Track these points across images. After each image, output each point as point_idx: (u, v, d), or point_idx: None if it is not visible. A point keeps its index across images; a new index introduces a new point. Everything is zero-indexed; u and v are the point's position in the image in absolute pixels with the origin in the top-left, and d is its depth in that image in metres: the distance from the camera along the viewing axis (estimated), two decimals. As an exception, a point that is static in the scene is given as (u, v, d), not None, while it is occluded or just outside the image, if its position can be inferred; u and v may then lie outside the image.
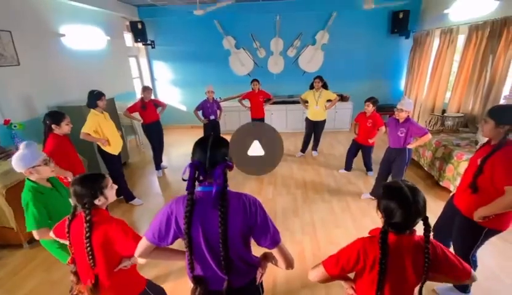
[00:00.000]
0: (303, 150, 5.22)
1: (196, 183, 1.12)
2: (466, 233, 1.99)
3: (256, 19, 6.44)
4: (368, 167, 4.33)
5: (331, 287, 2.29)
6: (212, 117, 4.87)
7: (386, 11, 6.13)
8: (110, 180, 1.50)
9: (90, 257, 1.34)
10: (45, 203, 1.72)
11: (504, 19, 3.77)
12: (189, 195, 1.10)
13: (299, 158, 5.13)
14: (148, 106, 4.27)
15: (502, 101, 4.02)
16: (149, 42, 6.66)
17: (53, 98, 4.15)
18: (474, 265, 2.08)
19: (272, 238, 1.14)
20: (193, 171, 1.09)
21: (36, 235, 1.67)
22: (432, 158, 4.00)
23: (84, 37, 4.84)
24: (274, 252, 1.18)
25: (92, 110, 3.26)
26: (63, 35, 4.36)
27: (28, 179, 1.76)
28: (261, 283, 1.36)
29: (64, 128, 2.57)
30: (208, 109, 4.84)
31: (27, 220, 1.66)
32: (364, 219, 3.23)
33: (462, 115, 4.36)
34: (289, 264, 1.19)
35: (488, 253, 2.56)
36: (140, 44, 6.66)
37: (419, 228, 1.15)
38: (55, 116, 2.49)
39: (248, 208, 1.12)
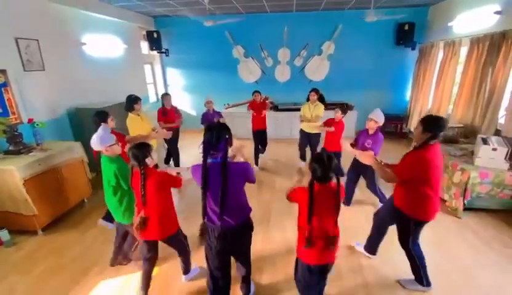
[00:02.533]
0: (303, 157, 5.13)
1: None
2: (399, 224, 2.32)
3: (264, 30, 6.72)
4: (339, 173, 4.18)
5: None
6: None
7: (392, 23, 6.24)
8: (153, 148, 2.12)
9: (143, 198, 1.97)
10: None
11: (503, 33, 3.82)
12: (203, 163, 1.66)
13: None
14: (169, 113, 4.58)
15: (502, 113, 4.03)
16: (163, 50, 7.07)
17: (73, 101, 4.53)
18: (418, 256, 2.29)
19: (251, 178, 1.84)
20: (206, 146, 1.66)
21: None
22: (429, 167, 4.04)
23: (103, 46, 5.26)
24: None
25: (129, 114, 3.68)
26: (85, 43, 4.78)
27: (103, 155, 2.31)
28: (251, 223, 1.97)
29: (110, 123, 3.01)
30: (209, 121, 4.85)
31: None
32: (350, 220, 3.33)
33: (462, 125, 4.39)
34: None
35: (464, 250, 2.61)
36: (155, 52, 7.08)
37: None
38: (101, 115, 2.97)
39: (240, 170, 1.76)
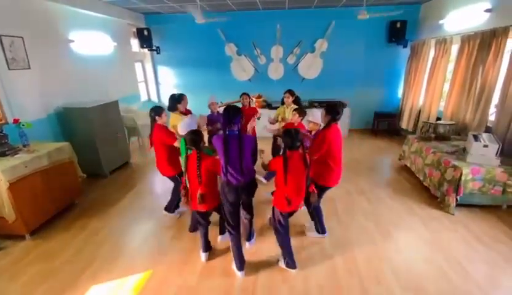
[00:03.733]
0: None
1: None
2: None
3: (257, 28, 6.66)
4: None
5: (309, 279, 2.42)
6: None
7: (384, 21, 6.26)
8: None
9: (199, 178, 2.35)
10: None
11: (493, 31, 3.87)
12: (224, 134, 2.25)
13: None
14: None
15: (492, 110, 4.10)
16: (154, 48, 6.93)
17: (62, 100, 4.40)
18: (318, 212, 2.95)
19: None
20: (226, 121, 2.24)
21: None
22: (422, 164, 4.08)
23: (92, 43, 5.12)
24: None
25: (171, 113, 3.61)
26: (72, 41, 4.64)
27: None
28: (256, 181, 2.55)
29: (164, 118, 3.16)
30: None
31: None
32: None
33: (453, 123, 4.44)
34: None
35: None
36: (145, 50, 6.94)
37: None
38: (157, 110, 3.13)
39: (251, 140, 2.36)
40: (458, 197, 3.38)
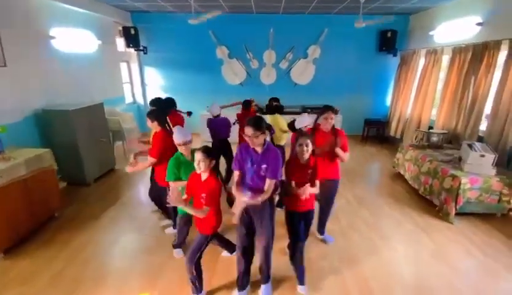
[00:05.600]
0: None
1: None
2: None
3: (250, 31, 6.54)
4: None
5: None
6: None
7: (375, 30, 6.37)
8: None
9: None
10: (178, 166, 2.36)
11: (485, 44, 3.99)
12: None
13: None
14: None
15: (484, 120, 4.22)
16: (141, 48, 6.61)
17: (40, 101, 4.01)
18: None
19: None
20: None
21: (171, 184, 2.37)
22: (417, 172, 4.11)
23: (74, 40, 4.75)
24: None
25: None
26: (53, 37, 4.26)
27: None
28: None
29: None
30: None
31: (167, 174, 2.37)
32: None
33: (446, 132, 4.53)
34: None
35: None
36: (131, 49, 6.59)
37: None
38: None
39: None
40: (457, 207, 3.41)
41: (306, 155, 2.14)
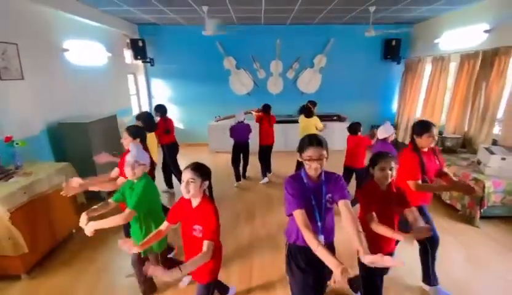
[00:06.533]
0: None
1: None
2: None
3: (257, 42, 6.62)
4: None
5: None
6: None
7: (380, 39, 6.52)
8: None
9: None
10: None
11: (495, 50, 4.11)
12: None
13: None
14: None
15: (496, 124, 4.31)
16: (148, 60, 6.60)
17: (54, 114, 3.92)
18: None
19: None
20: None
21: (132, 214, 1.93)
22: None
23: (86, 53, 4.71)
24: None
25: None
26: (67, 50, 4.22)
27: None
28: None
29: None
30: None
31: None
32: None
33: (460, 136, 4.60)
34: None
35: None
36: (138, 61, 6.58)
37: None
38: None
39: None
40: (482, 210, 3.42)
41: (389, 181, 1.74)
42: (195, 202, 1.63)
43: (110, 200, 2.05)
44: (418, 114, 6.15)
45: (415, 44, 6.48)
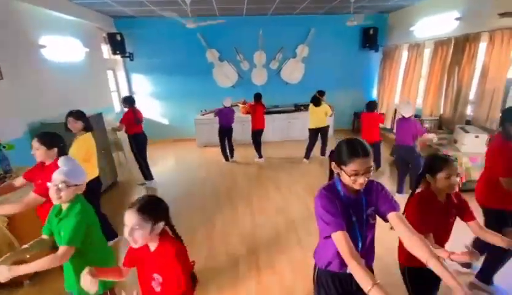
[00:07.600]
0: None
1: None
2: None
3: (239, 33, 6.58)
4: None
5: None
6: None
7: (358, 28, 6.72)
8: None
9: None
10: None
11: (466, 36, 4.43)
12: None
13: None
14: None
15: (469, 105, 4.67)
16: (127, 54, 6.36)
17: (34, 115, 3.71)
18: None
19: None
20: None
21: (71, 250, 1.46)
22: (418, 157, 4.44)
23: (63, 49, 4.47)
24: None
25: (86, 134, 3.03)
26: (44, 46, 3.98)
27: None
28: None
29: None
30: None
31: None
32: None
33: (437, 118, 4.95)
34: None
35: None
36: (117, 56, 6.32)
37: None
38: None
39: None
40: (460, 184, 3.74)
41: (456, 190, 1.46)
42: (152, 246, 1.25)
43: (44, 236, 1.62)
44: (396, 99, 6.48)
45: (392, 32, 6.77)
